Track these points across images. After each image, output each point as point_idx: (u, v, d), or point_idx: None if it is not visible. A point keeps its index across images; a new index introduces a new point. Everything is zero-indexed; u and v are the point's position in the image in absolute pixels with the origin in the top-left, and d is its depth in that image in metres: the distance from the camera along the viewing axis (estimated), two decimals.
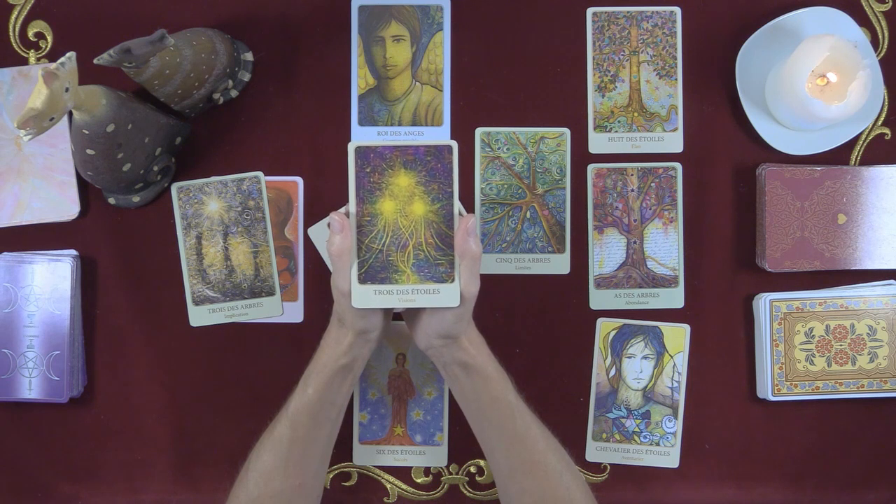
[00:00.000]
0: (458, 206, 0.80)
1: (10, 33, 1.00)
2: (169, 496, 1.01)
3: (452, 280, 0.80)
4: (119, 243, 1.01)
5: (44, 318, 0.98)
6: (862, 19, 1.01)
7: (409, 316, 0.87)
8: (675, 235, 1.01)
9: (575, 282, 1.01)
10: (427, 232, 0.80)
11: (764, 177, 0.99)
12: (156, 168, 0.96)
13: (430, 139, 1.01)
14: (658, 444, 1.01)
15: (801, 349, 0.99)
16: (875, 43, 1.01)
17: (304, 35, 1.01)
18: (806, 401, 1.00)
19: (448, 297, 0.80)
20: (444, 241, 0.80)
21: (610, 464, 1.02)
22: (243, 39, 1.00)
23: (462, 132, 1.01)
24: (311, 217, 1.00)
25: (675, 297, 1.01)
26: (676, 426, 1.01)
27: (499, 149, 1.01)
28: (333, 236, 0.79)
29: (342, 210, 0.81)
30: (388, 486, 1.02)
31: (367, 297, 0.81)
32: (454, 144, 0.79)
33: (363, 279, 0.80)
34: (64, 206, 0.99)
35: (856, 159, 1.02)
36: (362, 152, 0.79)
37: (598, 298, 1.01)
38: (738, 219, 1.02)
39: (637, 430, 1.01)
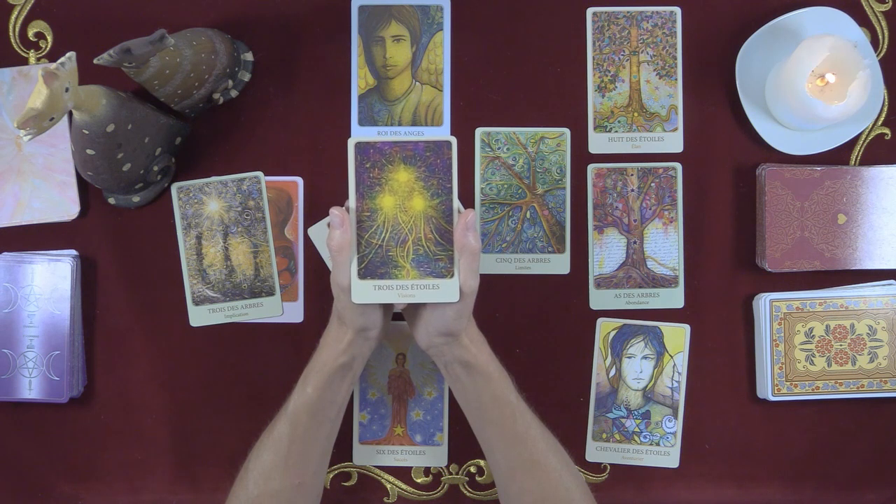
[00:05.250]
0: (456, 203, 0.80)
1: (10, 33, 1.00)
2: (169, 496, 1.01)
3: (452, 275, 0.80)
4: (119, 243, 1.01)
5: (44, 318, 0.98)
6: (862, 19, 1.01)
7: (409, 314, 0.87)
8: (675, 235, 1.01)
9: (575, 282, 1.01)
10: (426, 227, 0.80)
11: (764, 177, 0.99)
12: (156, 168, 0.96)
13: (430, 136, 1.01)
14: (658, 444, 1.01)
15: (801, 349, 0.99)
16: (875, 43, 1.01)
17: (304, 35, 1.01)
18: (806, 401, 1.00)
19: (447, 292, 0.80)
20: (444, 237, 0.80)
21: (610, 464, 1.02)
22: (243, 39, 1.00)
23: (462, 132, 1.01)
24: (311, 217, 1.01)
25: (675, 297, 1.01)
26: (676, 426, 1.01)
27: (499, 149, 1.01)
28: (333, 231, 0.79)
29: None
30: (388, 486, 1.02)
31: (366, 292, 0.81)
32: (453, 140, 0.79)
33: (363, 274, 0.80)
34: (64, 206, 0.99)
35: (856, 159, 1.02)
36: (362, 148, 0.79)
37: (598, 298, 1.01)
38: (738, 219, 1.02)
39: (637, 430, 1.01)
